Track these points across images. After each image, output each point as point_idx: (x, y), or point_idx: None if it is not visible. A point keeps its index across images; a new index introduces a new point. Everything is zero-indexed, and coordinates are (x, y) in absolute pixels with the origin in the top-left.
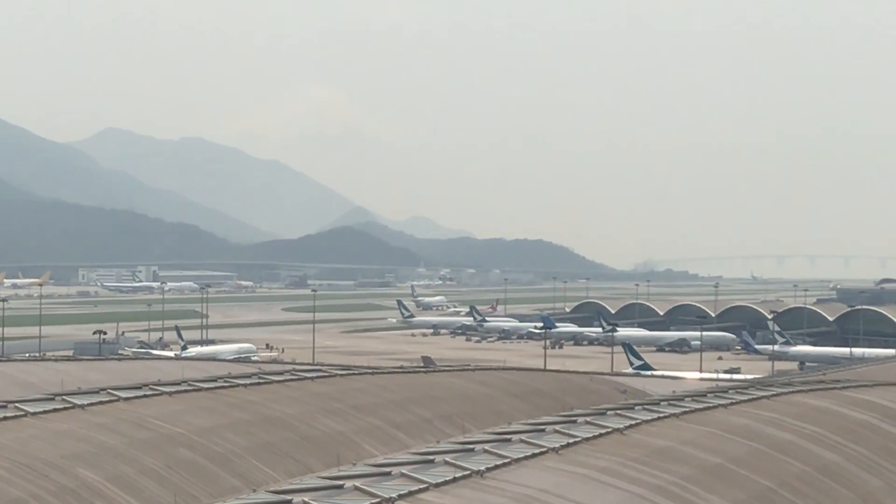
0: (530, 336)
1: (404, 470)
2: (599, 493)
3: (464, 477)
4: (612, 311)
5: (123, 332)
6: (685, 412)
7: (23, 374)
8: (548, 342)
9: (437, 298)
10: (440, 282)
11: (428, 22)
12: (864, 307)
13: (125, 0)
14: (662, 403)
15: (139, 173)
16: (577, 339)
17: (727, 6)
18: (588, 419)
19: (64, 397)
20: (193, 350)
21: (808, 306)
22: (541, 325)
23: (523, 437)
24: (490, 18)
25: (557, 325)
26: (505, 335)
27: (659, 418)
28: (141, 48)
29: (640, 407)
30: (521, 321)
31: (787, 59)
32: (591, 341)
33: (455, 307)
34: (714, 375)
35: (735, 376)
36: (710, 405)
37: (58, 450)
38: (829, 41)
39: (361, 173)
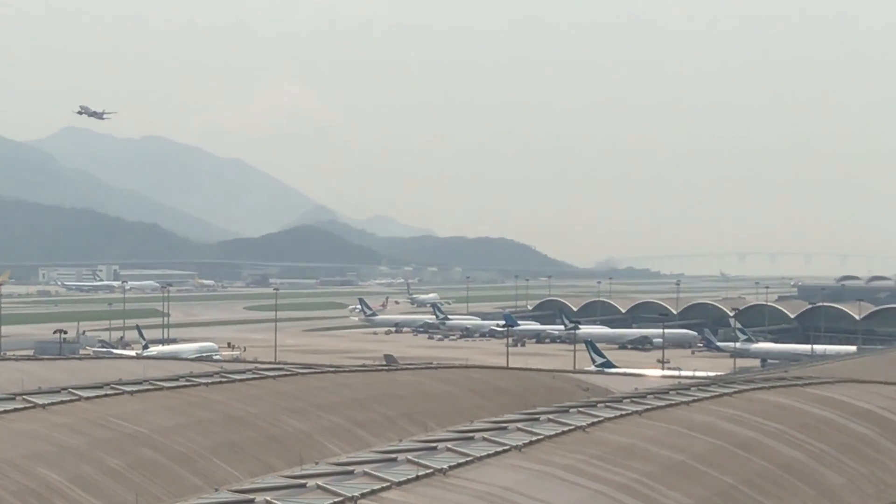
0: (492, 334)
1: (367, 469)
2: (562, 490)
3: (427, 475)
4: (575, 309)
5: (84, 332)
6: (648, 409)
7: None
8: (510, 340)
9: (432, 296)
10: (402, 280)
11: (395, 19)
12: (825, 304)
13: None
14: (625, 401)
15: (100, 172)
16: (539, 337)
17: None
18: (551, 417)
19: (24, 397)
20: (155, 349)
21: (769, 303)
22: (503, 322)
23: (486, 435)
24: (456, 16)
25: (520, 322)
26: (467, 333)
27: (621, 416)
28: (102, 45)
29: (602, 404)
30: (483, 319)
31: (763, 60)
32: (554, 339)
33: (450, 304)
34: (676, 373)
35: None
36: (673, 402)
37: (18, 450)
38: (795, 34)
39: (323, 172)
